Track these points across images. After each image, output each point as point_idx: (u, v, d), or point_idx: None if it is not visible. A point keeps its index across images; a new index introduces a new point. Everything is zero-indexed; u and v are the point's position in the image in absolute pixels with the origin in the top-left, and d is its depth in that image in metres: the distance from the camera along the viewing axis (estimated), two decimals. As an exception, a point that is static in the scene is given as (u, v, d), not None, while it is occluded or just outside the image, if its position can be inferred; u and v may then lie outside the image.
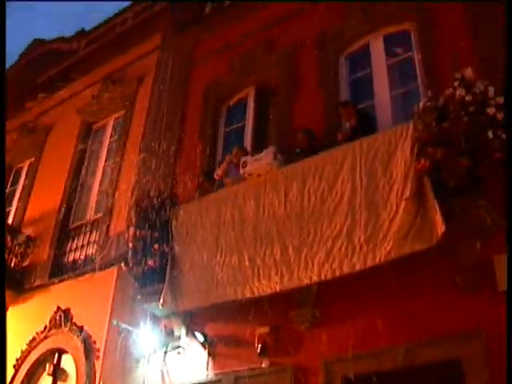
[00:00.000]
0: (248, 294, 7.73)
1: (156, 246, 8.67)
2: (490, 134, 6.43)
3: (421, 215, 6.60)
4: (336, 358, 7.29)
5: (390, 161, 7.07)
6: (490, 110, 6.49)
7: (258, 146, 9.16)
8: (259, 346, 7.84)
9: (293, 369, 7.56)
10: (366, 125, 8.12)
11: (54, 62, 14.68)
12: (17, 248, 12.31)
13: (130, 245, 8.98)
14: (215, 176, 9.42)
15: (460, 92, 6.59)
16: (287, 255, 7.49)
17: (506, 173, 6.33)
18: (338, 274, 7.01)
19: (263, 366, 7.81)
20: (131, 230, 8.98)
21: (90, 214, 12.10)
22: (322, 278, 7.13)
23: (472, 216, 6.52)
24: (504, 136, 6.42)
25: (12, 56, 16.49)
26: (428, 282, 6.90)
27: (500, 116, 6.48)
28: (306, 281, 7.26)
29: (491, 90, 6.55)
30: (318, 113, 9.11)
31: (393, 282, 7.03)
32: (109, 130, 13.06)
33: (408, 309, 6.91)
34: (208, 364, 8.39)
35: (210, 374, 8.32)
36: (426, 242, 6.44)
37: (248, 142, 10.08)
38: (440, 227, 6.29)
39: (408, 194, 6.71)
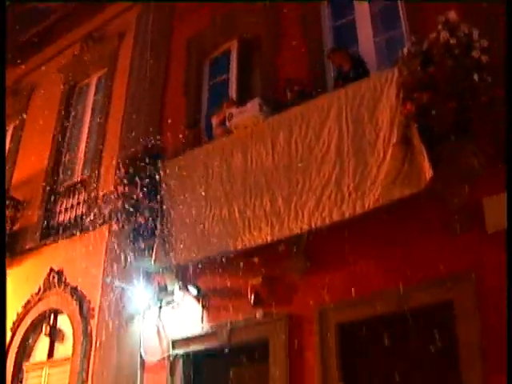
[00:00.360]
0: (239, 246, 7.76)
1: (146, 203, 8.65)
2: (476, 77, 6.38)
3: (408, 160, 6.57)
4: (330, 305, 7.36)
5: (376, 107, 7.03)
6: (475, 53, 6.42)
7: (243, 99, 9.02)
8: (252, 296, 7.94)
9: (287, 318, 7.66)
10: (360, 68, 8.02)
11: (32, 22, 14.41)
12: (6, 212, 12.27)
13: (120, 202, 8.95)
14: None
15: (444, 35, 6.51)
16: (277, 206, 7.48)
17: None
18: (327, 222, 7.01)
19: (257, 316, 7.90)
20: (120, 187, 8.94)
21: (78, 174, 12.05)
22: (313, 226, 7.13)
23: (460, 160, 6.50)
24: (489, 79, 6.40)
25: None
26: (418, 226, 6.95)
27: (485, 59, 6.42)
28: (297, 230, 7.27)
29: (475, 32, 6.46)
30: (303, 62, 9.01)
31: (383, 228, 7.10)
32: (92, 89, 12.92)
33: (399, 254, 6.96)
34: (203, 317, 8.50)
35: (205, 327, 8.43)
36: (415, 187, 6.43)
37: (233, 94, 9.94)
38: (428, 172, 6.28)
39: (395, 139, 6.68)
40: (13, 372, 10.79)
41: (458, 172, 6.56)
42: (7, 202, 12.32)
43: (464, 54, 6.43)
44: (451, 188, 6.64)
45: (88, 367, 9.59)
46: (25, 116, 14.04)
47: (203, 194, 8.32)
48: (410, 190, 6.48)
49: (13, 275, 11.84)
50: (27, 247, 11.83)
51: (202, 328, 8.44)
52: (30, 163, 12.93)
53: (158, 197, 8.73)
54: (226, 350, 8.12)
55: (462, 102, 6.41)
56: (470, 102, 6.43)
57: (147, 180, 8.79)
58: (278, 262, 7.81)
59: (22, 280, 11.59)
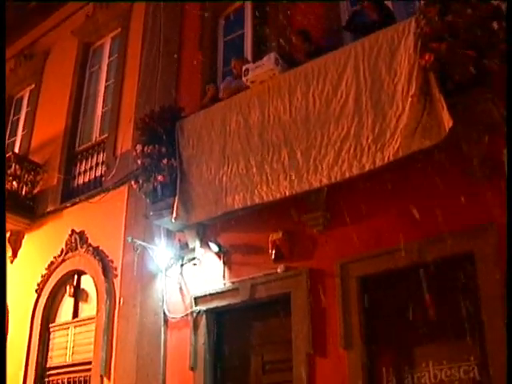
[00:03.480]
0: (257, 200, 7.76)
1: (164, 161, 8.65)
2: (495, 25, 6.29)
3: (427, 111, 6.48)
4: (350, 258, 7.38)
5: (394, 59, 6.94)
6: (494, 0, 6.33)
7: (259, 55, 8.98)
8: (273, 251, 7.95)
9: (308, 272, 7.67)
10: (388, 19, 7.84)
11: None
12: (26, 176, 12.37)
13: (139, 162, 8.98)
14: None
15: (462, -18, 6.41)
16: (295, 160, 7.46)
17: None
18: (347, 175, 6.98)
19: (278, 271, 7.91)
20: (138, 147, 8.95)
21: (96, 136, 12.07)
22: (332, 180, 7.11)
23: (479, 109, 6.42)
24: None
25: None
26: (438, 178, 6.86)
27: (504, 6, 6.33)
28: (316, 184, 7.25)
29: (495, -21, 6.37)
30: (319, 14, 8.90)
31: (402, 180, 7.08)
32: (107, 50, 12.86)
33: (419, 205, 6.92)
34: (224, 273, 8.56)
35: (227, 283, 8.49)
36: (434, 137, 6.36)
37: (248, 50, 9.92)
38: (448, 122, 6.19)
39: (413, 91, 6.60)
40: (40, 333, 10.98)
41: (478, 122, 6.48)
42: (28, 166, 12.44)
43: (482, 2, 6.32)
44: (471, 138, 6.57)
45: (112, 326, 9.75)
46: (41, 80, 14.03)
47: (221, 150, 8.33)
48: (429, 140, 6.41)
49: (35, 238, 12.03)
50: (48, 210, 11.93)
51: (224, 284, 8.51)
52: (47, 126, 12.96)
53: (177, 154, 8.75)
54: (249, 306, 8.24)
55: (480, 50, 6.30)
56: (489, 51, 6.32)
57: (165, 138, 8.81)
58: (298, 216, 7.83)
59: (45, 242, 11.75)
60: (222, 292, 8.49)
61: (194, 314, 8.64)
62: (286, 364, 7.69)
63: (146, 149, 8.82)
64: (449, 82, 6.42)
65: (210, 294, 8.57)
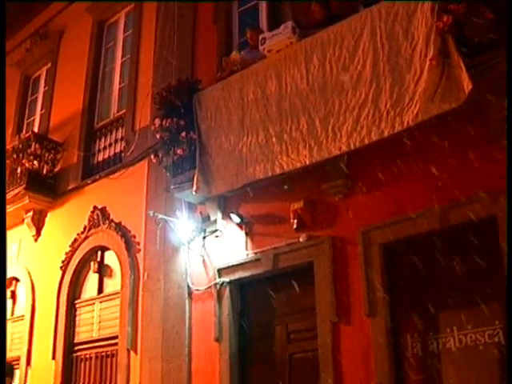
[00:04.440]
0: (278, 171, 7.76)
1: (183, 134, 8.66)
2: (514, -15, 6.19)
3: (446, 75, 6.39)
4: (372, 226, 7.36)
5: (411, 23, 6.83)
6: (512, -41, 6.21)
7: (275, 24, 8.90)
8: (295, 221, 7.95)
9: (330, 240, 7.67)
10: None
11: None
12: (46, 154, 12.46)
13: (158, 136, 8.98)
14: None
15: None
16: (314, 128, 7.42)
17: None
18: (366, 141, 6.94)
19: (301, 240, 7.92)
20: (157, 121, 8.93)
21: (114, 112, 12.10)
22: (351, 147, 7.07)
23: (498, 71, 6.33)
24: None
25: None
26: (458, 142, 6.82)
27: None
28: (335, 151, 7.21)
29: None
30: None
31: (423, 145, 7.00)
32: (121, 26, 12.82)
33: (440, 170, 6.86)
34: (246, 244, 8.59)
35: (250, 254, 8.52)
36: (454, 101, 6.27)
37: (263, 20, 9.84)
38: (467, 85, 6.10)
39: (431, 54, 6.51)
40: (66, 310, 11.13)
41: (498, 84, 6.38)
42: (48, 145, 12.52)
43: (501, -39, 6.22)
44: (491, 100, 6.47)
45: (137, 300, 9.86)
46: (57, 59, 14.06)
47: (239, 121, 8.30)
48: (449, 104, 6.33)
49: (58, 216, 12.14)
50: (69, 188, 12.03)
51: (247, 255, 8.54)
52: (66, 105, 13.02)
53: (195, 127, 8.75)
54: (272, 276, 8.27)
55: (499, 11, 6.21)
56: (508, 11, 6.23)
57: (183, 111, 8.80)
58: (318, 184, 7.82)
59: (67, 220, 11.88)
60: (245, 263, 8.53)
61: (218, 286, 8.69)
62: (311, 333, 7.73)
63: (164, 122, 8.81)
64: (467, 44, 6.32)
65: (233, 266, 8.62)
